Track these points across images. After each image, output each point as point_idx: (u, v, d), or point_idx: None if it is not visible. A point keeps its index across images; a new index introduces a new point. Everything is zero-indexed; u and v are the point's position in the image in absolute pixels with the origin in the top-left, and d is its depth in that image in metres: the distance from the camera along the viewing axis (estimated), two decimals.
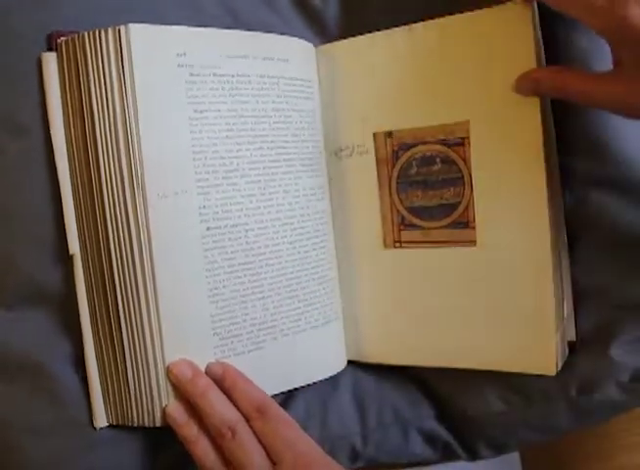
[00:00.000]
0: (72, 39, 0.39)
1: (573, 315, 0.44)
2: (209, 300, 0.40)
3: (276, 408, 0.39)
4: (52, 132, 0.40)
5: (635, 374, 0.43)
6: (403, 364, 0.47)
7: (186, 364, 0.39)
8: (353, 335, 0.47)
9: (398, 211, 0.45)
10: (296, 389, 0.45)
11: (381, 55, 0.44)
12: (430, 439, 0.49)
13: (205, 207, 0.40)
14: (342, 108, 0.46)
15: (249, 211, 0.41)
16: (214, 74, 0.40)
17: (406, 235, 0.45)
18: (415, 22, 0.43)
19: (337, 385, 0.47)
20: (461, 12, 0.42)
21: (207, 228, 0.40)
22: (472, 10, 0.41)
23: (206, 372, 0.40)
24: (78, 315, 0.40)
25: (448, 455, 0.50)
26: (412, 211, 0.45)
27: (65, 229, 0.40)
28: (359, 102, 0.46)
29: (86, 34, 0.39)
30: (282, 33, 0.44)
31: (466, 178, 0.43)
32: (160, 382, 0.39)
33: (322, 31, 0.48)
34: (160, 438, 0.42)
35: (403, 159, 0.45)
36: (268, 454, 0.38)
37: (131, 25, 0.38)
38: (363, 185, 0.46)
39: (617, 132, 0.42)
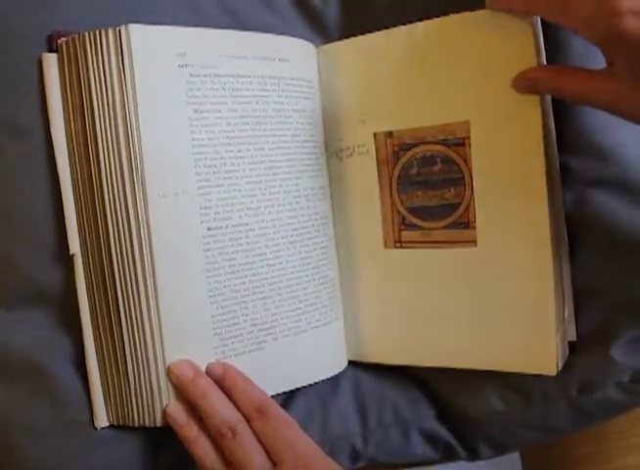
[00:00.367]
0: (73, 40, 0.39)
1: (574, 315, 0.44)
2: (210, 300, 0.40)
3: (276, 409, 0.39)
4: (52, 133, 0.40)
5: (635, 375, 0.43)
6: (403, 364, 0.47)
7: (186, 365, 0.39)
8: (354, 335, 0.47)
9: (399, 211, 0.45)
10: (296, 389, 0.45)
11: (381, 55, 0.44)
12: (430, 439, 0.49)
13: (205, 207, 0.40)
14: (343, 108, 0.46)
15: (249, 212, 0.41)
16: (215, 75, 0.41)
17: (407, 235, 0.45)
18: (415, 21, 0.43)
19: (337, 385, 0.47)
20: (461, 12, 0.42)
21: (208, 228, 0.40)
22: (472, 10, 0.41)
23: (207, 372, 0.40)
24: (79, 316, 0.40)
25: (449, 455, 0.50)
26: (413, 211, 0.45)
27: (65, 229, 0.40)
28: (360, 102, 0.46)
29: (87, 35, 0.39)
30: (282, 34, 0.44)
31: (466, 178, 0.43)
32: (161, 382, 0.39)
33: (322, 31, 0.48)
34: (161, 438, 0.42)
35: (404, 159, 0.45)
36: (268, 455, 0.38)
37: (131, 26, 0.38)
38: (364, 185, 0.46)
39: (618, 132, 0.42)
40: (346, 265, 0.47)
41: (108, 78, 0.38)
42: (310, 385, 0.45)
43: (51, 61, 0.40)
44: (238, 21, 0.46)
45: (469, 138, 0.42)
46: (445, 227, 0.44)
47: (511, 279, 0.42)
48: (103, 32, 0.38)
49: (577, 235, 0.43)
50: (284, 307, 0.43)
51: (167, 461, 0.43)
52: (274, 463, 0.38)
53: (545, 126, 0.41)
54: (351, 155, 0.46)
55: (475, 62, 0.41)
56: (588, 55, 0.41)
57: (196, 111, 0.40)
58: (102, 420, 0.41)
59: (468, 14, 0.41)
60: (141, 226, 0.38)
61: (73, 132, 0.40)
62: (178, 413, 0.39)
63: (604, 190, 0.42)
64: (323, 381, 0.46)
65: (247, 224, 0.41)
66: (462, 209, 0.43)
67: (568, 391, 0.44)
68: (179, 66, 0.39)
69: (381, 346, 0.47)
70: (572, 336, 0.44)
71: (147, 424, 0.40)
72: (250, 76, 0.42)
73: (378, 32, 0.45)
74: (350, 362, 0.48)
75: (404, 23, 0.44)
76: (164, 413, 0.39)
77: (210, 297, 0.40)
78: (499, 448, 0.49)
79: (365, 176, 0.46)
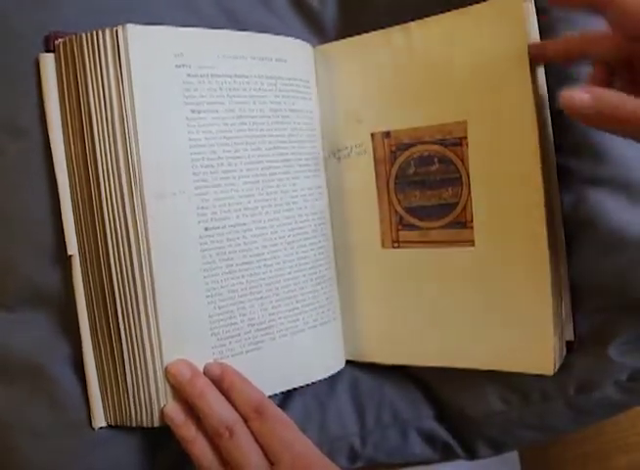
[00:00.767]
0: (70, 40, 0.39)
1: (571, 315, 0.44)
2: (207, 300, 0.40)
3: (274, 409, 0.39)
4: (50, 133, 0.40)
5: (633, 374, 0.43)
6: (402, 364, 0.47)
7: (184, 365, 0.39)
8: (352, 335, 0.47)
9: (396, 211, 0.45)
10: (294, 389, 0.45)
11: (378, 55, 0.44)
12: (429, 438, 0.49)
13: (202, 207, 0.40)
14: (340, 108, 0.46)
15: (247, 212, 0.41)
16: (212, 75, 0.41)
17: (404, 235, 0.45)
18: (412, 21, 0.43)
19: (335, 385, 0.47)
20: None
21: (206, 229, 0.40)
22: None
23: (205, 372, 0.40)
24: (77, 316, 0.40)
25: (447, 455, 0.50)
26: (410, 211, 0.45)
27: (63, 230, 0.40)
28: (357, 102, 0.46)
29: (84, 35, 0.39)
30: (279, 34, 0.44)
31: (464, 178, 0.43)
32: (159, 382, 0.39)
33: (320, 32, 0.49)
34: (159, 438, 0.42)
35: (401, 159, 0.45)
36: (266, 455, 0.38)
37: (129, 26, 0.38)
38: (361, 185, 0.46)
39: None
40: (344, 265, 0.47)
41: (105, 79, 0.38)
42: (308, 385, 0.45)
43: (48, 61, 0.40)
44: (235, 21, 0.46)
45: (466, 138, 0.42)
46: (443, 227, 0.44)
47: (508, 279, 0.42)
48: (100, 33, 0.38)
49: (575, 235, 0.43)
50: (281, 307, 0.43)
51: (165, 461, 0.43)
52: (271, 463, 0.38)
53: (542, 126, 0.41)
54: (349, 155, 0.46)
55: (471, 61, 0.41)
56: None
57: (193, 111, 0.40)
58: (100, 420, 0.41)
59: (463, 12, 0.41)
60: (138, 226, 0.38)
61: (71, 133, 0.40)
62: (176, 413, 0.39)
63: (601, 189, 0.42)
64: (321, 381, 0.46)
65: (244, 224, 0.41)
66: (459, 208, 0.43)
67: (566, 390, 0.44)
68: (176, 66, 0.40)
69: (378, 345, 0.47)
70: (570, 335, 0.44)
71: (145, 424, 0.40)
72: (247, 76, 0.42)
73: (375, 32, 0.45)
74: (348, 362, 0.48)
75: (402, 23, 0.44)
76: (162, 413, 0.39)
77: (208, 297, 0.40)
78: (498, 448, 0.49)
79: (362, 176, 0.46)
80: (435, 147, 0.43)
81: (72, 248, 0.40)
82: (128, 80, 0.38)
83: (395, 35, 0.44)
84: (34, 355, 0.40)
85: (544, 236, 0.40)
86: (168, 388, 0.39)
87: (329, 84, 0.46)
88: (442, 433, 0.49)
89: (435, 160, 0.44)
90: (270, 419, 0.39)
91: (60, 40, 0.39)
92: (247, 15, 0.46)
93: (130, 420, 0.40)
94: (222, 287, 0.41)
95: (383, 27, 0.44)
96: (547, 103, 0.42)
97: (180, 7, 0.45)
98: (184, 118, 0.40)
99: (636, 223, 0.42)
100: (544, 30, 0.42)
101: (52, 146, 0.40)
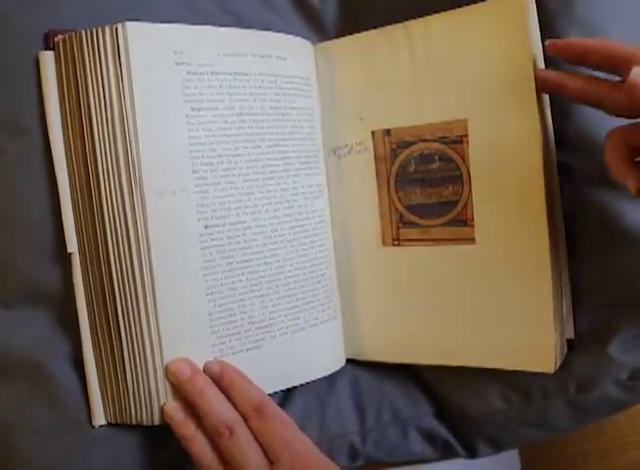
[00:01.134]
0: (70, 38, 0.39)
1: (572, 313, 0.44)
2: (207, 298, 0.40)
3: (274, 408, 0.39)
4: (50, 131, 0.40)
5: (634, 372, 0.43)
6: (402, 362, 0.47)
7: (184, 363, 0.39)
8: (352, 333, 0.47)
9: (397, 208, 0.45)
10: (294, 387, 0.45)
11: (379, 52, 0.44)
12: (429, 437, 0.49)
13: (202, 205, 0.40)
14: (341, 106, 0.46)
15: (247, 210, 0.41)
16: (212, 72, 0.40)
17: (405, 233, 0.45)
18: (413, 19, 0.43)
19: (335, 383, 0.47)
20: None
21: (205, 226, 0.40)
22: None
23: (205, 371, 0.40)
24: (77, 314, 0.40)
25: (447, 453, 0.50)
26: (411, 208, 0.45)
27: (63, 228, 0.40)
28: (357, 100, 0.46)
29: (83, 33, 0.38)
30: (280, 32, 0.44)
31: (464, 176, 0.43)
32: (159, 380, 0.39)
33: (320, 29, 0.48)
34: (159, 436, 0.42)
35: (402, 157, 0.45)
36: (266, 454, 0.38)
37: (128, 24, 0.38)
38: (362, 183, 0.46)
39: None
40: (344, 263, 0.47)
41: (105, 76, 0.38)
42: (308, 383, 0.45)
43: (48, 59, 0.39)
44: (236, 19, 0.46)
45: (467, 136, 0.42)
46: (443, 225, 0.44)
47: (509, 277, 0.42)
48: (100, 30, 0.38)
49: (576, 233, 0.43)
50: (281, 305, 0.43)
51: (165, 459, 0.43)
52: (271, 462, 0.38)
53: (543, 124, 0.41)
54: (349, 153, 0.46)
55: (472, 59, 0.41)
56: None
57: (193, 109, 0.40)
58: (100, 418, 0.41)
59: (464, 10, 0.41)
60: (138, 225, 0.38)
61: (70, 131, 0.40)
62: (175, 411, 0.39)
63: (602, 188, 0.42)
64: (321, 379, 0.46)
65: (244, 222, 0.41)
66: (460, 206, 0.43)
67: (566, 388, 0.44)
68: (176, 63, 0.39)
69: (379, 344, 0.47)
70: (571, 334, 0.44)
71: (145, 422, 0.40)
72: (247, 74, 0.42)
73: (375, 30, 0.45)
74: (348, 360, 0.48)
75: (401, 21, 0.44)
76: (162, 411, 0.39)
77: (208, 295, 0.40)
78: (498, 447, 0.49)
79: (363, 174, 0.46)
80: (436, 145, 0.43)
81: (72, 246, 0.40)
82: (128, 78, 0.38)
83: (396, 33, 0.44)
84: (34, 353, 0.40)
85: (545, 234, 0.40)
86: (168, 386, 0.39)
87: (329, 82, 0.46)
88: (442, 431, 0.49)
89: (436, 158, 0.43)
90: (270, 418, 0.39)
91: (59, 38, 0.39)
92: (247, 13, 0.46)
93: (130, 418, 0.40)
94: (222, 285, 0.40)
95: (383, 25, 0.44)
96: (549, 101, 0.42)
97: (180, 5, 0.44)
98: (184, 116, 0.39)
99: (637, 221, 0.42)
100: (544, 27, 0.41)
101: (52, 144, 0.40)
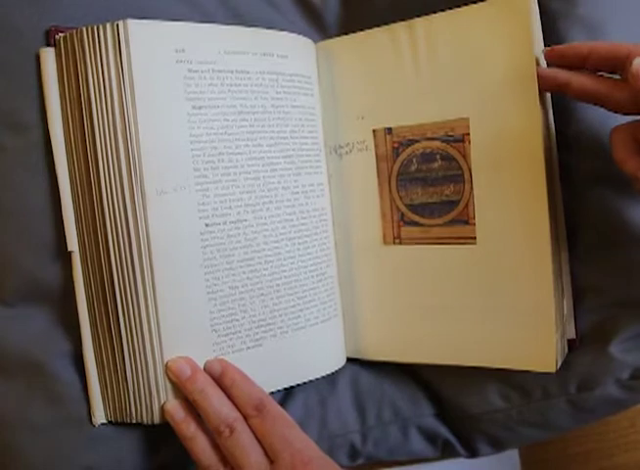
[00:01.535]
0: (71, 35, 0.39)
1: (573, 313, 0.44)
2: (208, 296, 0.40)
3: (274, 406, 0.39)
4: (50, 128, 0.39)
5: (635, 372, 0.43)
6: (403, 362, 0.47)
7: (184, 361, 0.39)
8: (353, 332, 0.47)
9: (398, 207, 0.45)
10: (295, 386, 0.45)
11: (381, 51, 0.44)
12: (429, 436, 0.49)
13: (203, 203, 0.40)
14: (342, 104, 0.46)
15: (247, 208, 0.41)
16: (213, 70, 0.40)
17: (406, 232, 0.45)
18: (415, 18, 0.43)
19: (336, 382, 0.47)
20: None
21: (206, 225, 0.40)
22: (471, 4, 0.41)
23: (205, 369, 0.40)
24: (77, 312, 0.40)
25: (448, 453, 0.50)
26: (412, 207, 0.45)
27: (63, 226, 0.40)
28: (359, 98, 0.45)
29: (85, 30, 0.38)
30: (281, 30, 0.44)
31: (466, 175, 0.42)
32: (159, 379, 0.39)
33: (322, 28, 0.48)
34: (159, 434, 0.42)
35: (403, 155, 0.45)
36: (266, 453, 0.38)
37: (129, 21, 0.38)
38: (363, 182, 0.46)
39: None
40: (345, 262, 0.47)
41: (105, 74, 0.38)
42: (309, 382, 0.45)
43: (49, 55, 0.39)
44: (237, 17, 0.46)
45: (468, 135, 0.42)
46: (445, 224, 0.44)
47: (510, 276, 0.42)
48: (101, 27, 0.38)
49: (577, 232, 0.43)
50: (282, 304, 0.43)
51: (166, 458, 0.43)
52: (271, 461, 0.38)
53: (545, 123, 0.41)
54: (350, 151, 0.46)
55: (474, 58, 0.41)
56: None
57: (194, 107, 0.40)
58: (100, 417, 0.40)
59: (467, 9, 0.41)
60: (139, 222, 0.38)
61: (71, 128, 0.39)
62: (176, 410, 0.39)
63: (604, 187, 0.42)
64: (321, 378, 0.45)
65: (245, 221, 0.41)
66: (461, 205, 0.43)
67: (567, 388, 0.44)
68: (177, 61, 0.39)
69: (380, 343, 0.47)
70: (572, 333, 0.44)
71: (145, 421, 0.40)
72: (248, 72, 0.42)
73: (377, 28, 0.44)
74: (349, 359, 0.48)
75: (404, 20, 0.43)
76: (162, 410, 0.39)
77: (208, 293, 0.40)
78: (498, 446, 0.49)
79: (364, 173, 0.46)
80: (438, 144, 0.43)
81: (73, 244, 0.40)
82: (129, 76, 0.38)
83: (399, 31, 0.44)
84: (34, 351, 0.40)
85: (547, 233, 0.40)
86: (169, 384, 0.39)
87: (331, 80, 0.46)
88: (443, 430, 0.49)
89: (438, 156, 0.43)
90: (270, 417, 0.39)
91: (60, 35, 0.39)
92: (249, 10, 0.46)
93: (130, 417, 0.40)
94: (223, 283, 0.40)
95: (384, 24, 0.44)
96: (550, 100, 0.42)
97: (182, 3, 0.44)
98: (185, 114, 0.39)
99: (638, 221, 0.42)
100: (546, 27, 0.41)
101: (52, 141, 0.40)
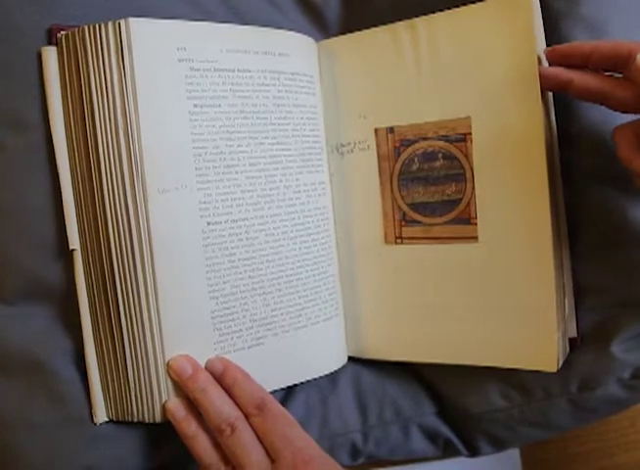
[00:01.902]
0: (72, 33, 0.39)
1: (575, 312, 0.44)
2: (209, 295, 0.40)
3: (275, 405, 0.39)
4: (52, 127, 0.39)
5: (636, 371, 0.43)
6: (404, 361, 0.47)
7: (186, 360, 0.39)
8: (354, 331, 0.47)
9: (400, 207, 0.45)
10: (296, 385, 0.45)
11: (382, 50, 0.44)
12: (430, 435, 0.49)
13: (205, 202, 0.40)
14: (344, 103, 0.46)
15: (249, 207, 0.41)
16: (215, 69, 0.40)
17: (407, 231, 0.45)
18: (417, 17, 0.43)
19: (337, 381, 0.47)
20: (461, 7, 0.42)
21: (208, 223, 0.40)
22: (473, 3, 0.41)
23: (206, 368, 0.40)
24: (79, 311, 0.40)
25: (449, 452, 0.50)
26: (413, 207, 0.45)
27: (65, 224, 0.40)
28: (360, 97, 0.45)
29: (86, 28, 0.38)
30: (283, 28, 0.44)
31: (467, 174, 0.42)
32: (160, 377, 0.39)
33: (323, 27, 0.48)
34: (161, 433, 0.42)
35: (405, 155, 0.45)
36: (267, 452, 0.38)
37: (131, 19, 0.38)
38: (364, 181, 0.46)
39: None
40: (347, 261, 0.47)
41: (107, 72, 0.38)
42: (310, 381, 0.45)
43: (50, 54, 0.39)
44: (239, 16, 0.46)
45: (470, 134, 0.42)
46: (446, 223, 0.44)
47: (512, 275, 0.42)
48: (102, 26, 0.38)
49: (578, 230, 0.43)
50: (283, 303, 0.43)
51: (167, 457, 0.43)
52: (272, 460, 0.38)
53: (547, 122, 0.41)
54: (352, 150, 0.46)
55: (476, 57, 0.41)
56: None
57: (196, 105, 0.40)
58: (101, 416, 0.40)
59: (468, 8, 0.41)
60: (140, 221, 0.38)
61: (73, 127, 0.39)
62: (177, 409, 0.39)
63: (606, 186, 0.42)
64: (323, 377, 0.45)
65: (246, 219, 0.41)
66: (463, 204, 0.43)
67: (568, 387, 0.44)
68: (179, 60, 0.39)
69: (381, 342, 0.47)
70: (573, 332, 0.44)
71: (146, 419, 0.40)
72: (250, 71, 0.42)
73: (379, 27, 0.44)
74: (350, 358, 0.48)
75: (404, 20, 0.43)
76: (164, 409, 0.39)
77: (210, 292, 0.40)
78: (499, 445, 0.49)
79: (366, 172, 0.46)
80: (440, 143, 0.43)
81: (74, 242, 0.40)
82: (131, 74, 0.38)
83: (401, 31, 0.44)
84: (35, 350, 0.40)
85: (548, 233, 0.40)
86: (170, 383, 0.39)
87: (332, 79, 0.46)
88: (444, 429, 0.49)
89: (439, 155, 0.43)
90: (271, 416, 0.39)
91: (62, 33, 0.39)
92: (250, 10, 0.46)
93: (132, 415, 0.40)
94: (224, 282, 0.40)
95: (386, 23, 0.44)
96: (552, 99, 0.42)
97: (184, 2, 0.44)
98: (187, 113, 0.39)
99: (639, 220, 0.42)
100: (548, 26, 0.41)
101: (54, 140, 0.40)
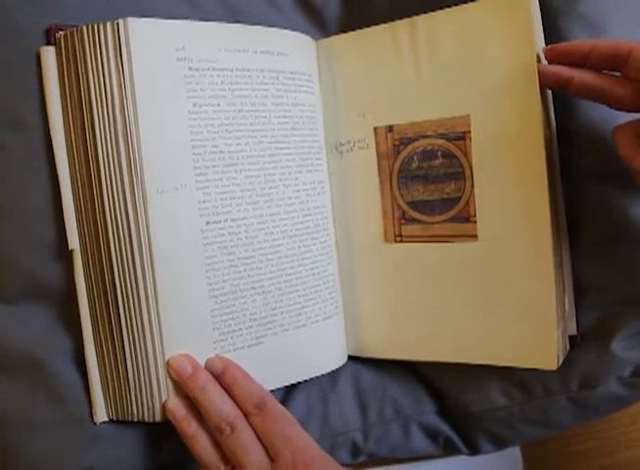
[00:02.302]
0: (71, 33, 0.39)
1: (575, 310, 0.44)
2: (209, 294, 0.40)
3: (275, 405, 0.39)
4: (51, 127, 0.39)
5: (636, 369, 0.43)
6: (404, 359, 0.47)
7: (186, 359, 0.39)
8: (354, 330, 0.47)
9: (399, 205, 0.45)
10: (296, 384, 0.45)
11: (381, 49, 0.44)
12: (431, 433, 0.49)
13: (204, 201, 0.40)
14: (343, 102, 0.46)
15: (248, 206, 0.41)
16: (213, 68, 0.40)
17: (407, 230, 0.45)
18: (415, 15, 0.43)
19: (337, 380, 0.47)
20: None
21: (207, 223, 0.40)
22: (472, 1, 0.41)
23: (206, 367, 0.40)
24: (78, 311, 0.40)
25: (450, 450, 0.50)
26: (413, 205, 0.45)
27: (64, 224, 0.40)
28: (360, 96, 0.45)
29: (85, 28, 0.38)
30: (282, 28, 0.44)
31: (467, 173, 0.42)
32: (160, 377, 0.39)
33: (322, 26, 0.48)
34: (161, 433, 0.42)
35: (404, 153, 0.45)
36: (267, 451, 0.38)
37: (130, 19, 0.38)
38: (364, 180, 0.46)
39: None
40: (346, 260, 0.47)
41: (106, 72, 0.38)
42: (310, 380, 0.45)
43: (49, 54, 0.39)
44: (237, 15, 0.46)
45: (469, 132, 0.42)
46: (446, 221, 0.44)
47: (511, 273, 0.42)
48: (101, 26, 0.38)
49: (577, 228, 0.43)
50: (283, 302, 0.43)
51: (167, 456, 0.43)
52: (272, 459, 0.38)
53: (546, 120, 0.41)
54: (351, 149, 0.46)
55: (475, 55, 0.41)
56: None
57: (195, 105, 0.40)
58: (101, 415, 0.40)
59: (467, 7, 0.41)
60: (140, 221, 0.38)
61: (72, 127, 0.39)
62: (177, 408, 0.39)
63: (606, 184, 0.42)
64: (323, 376, 0.45)
65: (245, 218, 0.41)
66: (462, 203, 0.43)
67: (569, 385, 0.44)
68: (177, 59, 0.39)
69: (381, 340, 0.47)
70: (573, 330, 0.44)
71: (146, 419, 0.40)
72: (249, 70, 0.42)
73: (379, 26, 0.44)
74: (350, 357, 0.48)
75: (404, 18, 0.43)
76: (164, 408, 0.39)
77: (209, 291, 0.40)
78: (500, 443, 0.49)
79: (365, 171, 0.46)
80: (439, 141, 0.43)
81: (74, 242, 0.40)
82: (129, 74, 0.38)
83: (400, 29, 0.43)
84: (34, 350, 0.40)
85: (548, 230, 0.40)
86: (170, 383, 0.39)
87: (331, 78, 0.46)
88: (445, 428, 0.49)
89: (439, 154, 0.43)
90: (271, 415, 0.39)
91: (61, 33, 0.39)
92: (249, 9, 0.46)
93: (132, 415, 0.40)
94: (224, 281, 0.40)
95: (385, 22, 0.44)
96: (551, 97, 0.42)
97: (183, 2, 0.44)
98: (186, 112, 0.39)
99: (639, 217, 0.42)
100: (547, 24, 0.41)
101: (53, 140, 0.40)
